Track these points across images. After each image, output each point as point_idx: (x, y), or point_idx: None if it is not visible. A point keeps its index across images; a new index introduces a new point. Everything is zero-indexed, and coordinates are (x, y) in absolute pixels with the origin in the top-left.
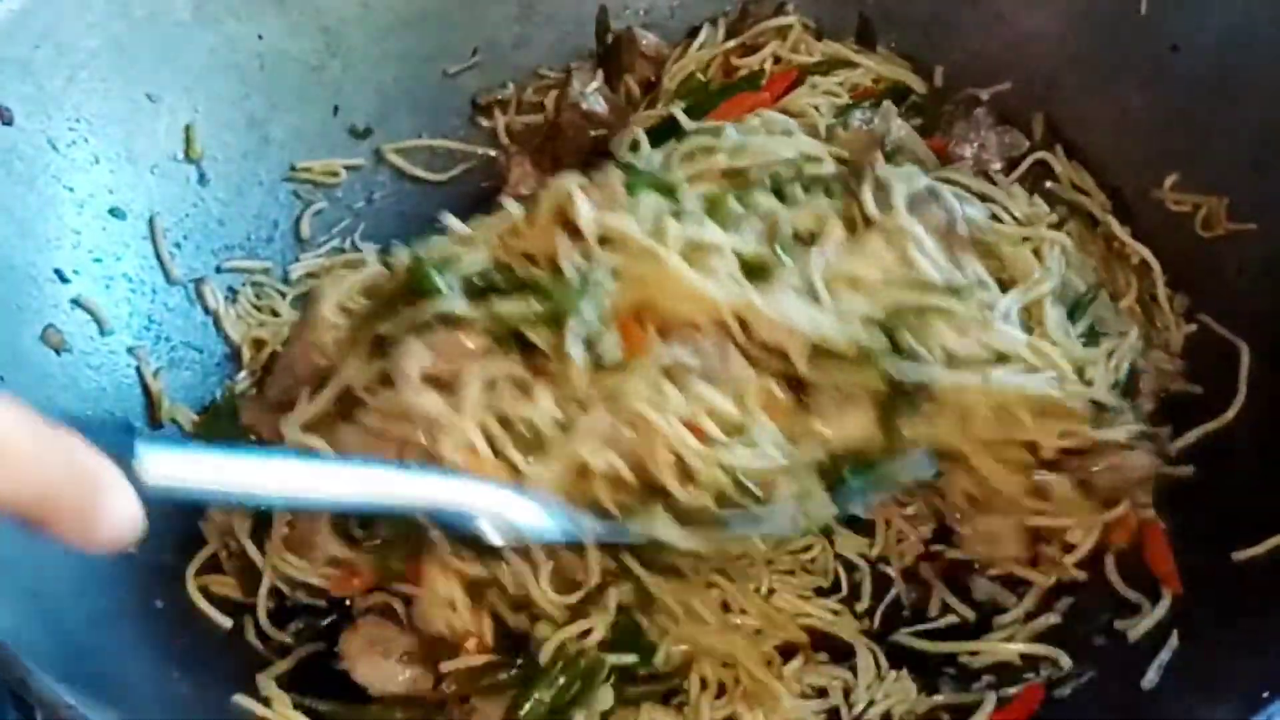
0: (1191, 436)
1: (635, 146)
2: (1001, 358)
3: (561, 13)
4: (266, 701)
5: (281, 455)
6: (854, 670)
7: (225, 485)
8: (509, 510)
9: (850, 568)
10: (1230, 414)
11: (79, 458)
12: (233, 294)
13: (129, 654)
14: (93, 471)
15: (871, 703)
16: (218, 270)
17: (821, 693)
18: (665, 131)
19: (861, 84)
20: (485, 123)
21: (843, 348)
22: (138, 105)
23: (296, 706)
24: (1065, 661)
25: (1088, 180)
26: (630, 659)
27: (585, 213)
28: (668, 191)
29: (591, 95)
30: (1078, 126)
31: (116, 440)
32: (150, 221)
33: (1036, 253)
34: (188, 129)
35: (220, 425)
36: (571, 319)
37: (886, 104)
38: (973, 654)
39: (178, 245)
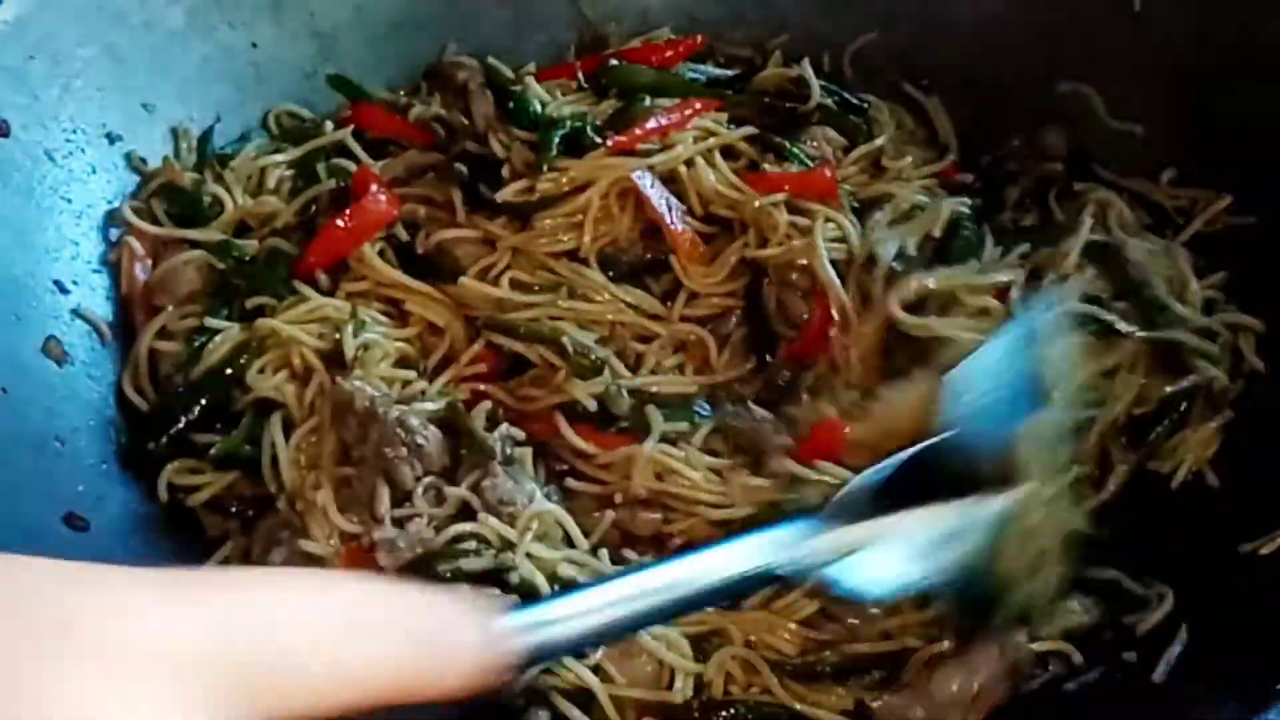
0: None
1: None
2: None
3: (554, 18)
4: None
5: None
6: None
7: (587, 630)
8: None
9: None
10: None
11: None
12: None
13: None
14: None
15: None
16: None
17: None
18: None
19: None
20: None
21: None
22: (134, 114)
23: None
24: (1076, 657)
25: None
26: None
27: None
28: None
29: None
30: (1073, 124)
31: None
32: None
33: None
34: (174, 131)
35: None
36: None
37: None
38: None
39: None
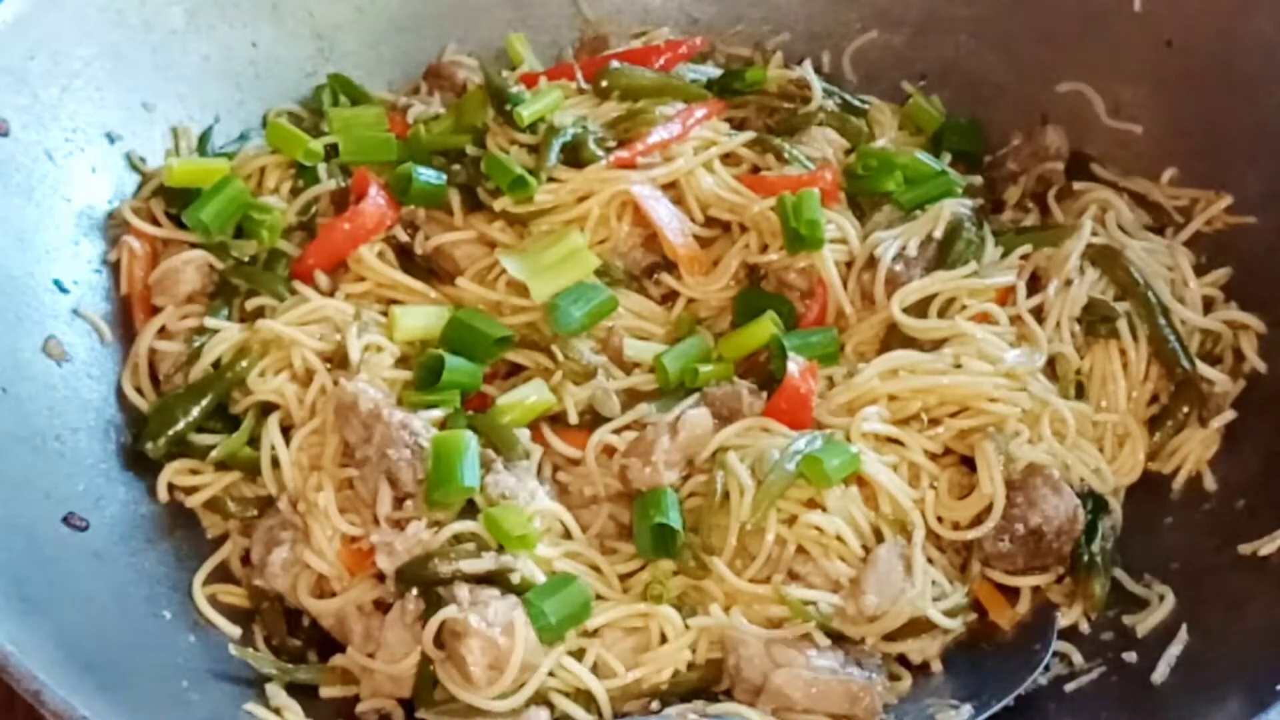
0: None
1: None
2: None
3: (552, 18)
4: (277, 711)
5: None
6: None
7: None
8: None
9: None
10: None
11: None
12: None
13: (139, 665)
14: None
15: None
16: None
17: None
18: None
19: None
20: None
21: None
22: (134, 114)
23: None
24: (1077, 658)
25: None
26: None
27: None
28: None
29: None
30: (1073, 124)
31: None
32: None
33: None
34: (174, 131)
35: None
36: None
37: None
38: None
39: None
